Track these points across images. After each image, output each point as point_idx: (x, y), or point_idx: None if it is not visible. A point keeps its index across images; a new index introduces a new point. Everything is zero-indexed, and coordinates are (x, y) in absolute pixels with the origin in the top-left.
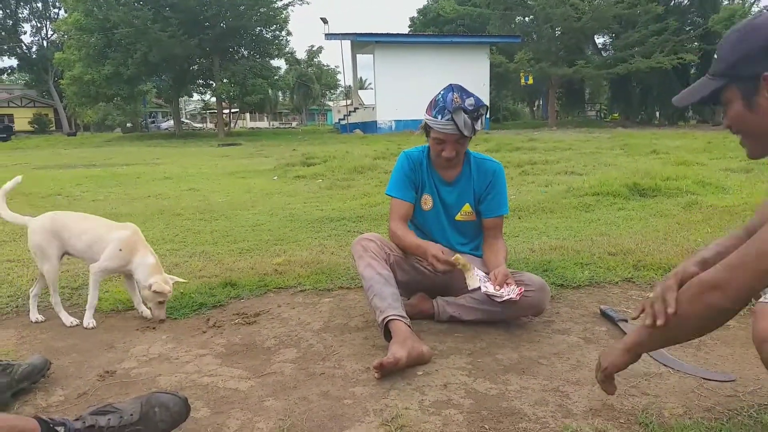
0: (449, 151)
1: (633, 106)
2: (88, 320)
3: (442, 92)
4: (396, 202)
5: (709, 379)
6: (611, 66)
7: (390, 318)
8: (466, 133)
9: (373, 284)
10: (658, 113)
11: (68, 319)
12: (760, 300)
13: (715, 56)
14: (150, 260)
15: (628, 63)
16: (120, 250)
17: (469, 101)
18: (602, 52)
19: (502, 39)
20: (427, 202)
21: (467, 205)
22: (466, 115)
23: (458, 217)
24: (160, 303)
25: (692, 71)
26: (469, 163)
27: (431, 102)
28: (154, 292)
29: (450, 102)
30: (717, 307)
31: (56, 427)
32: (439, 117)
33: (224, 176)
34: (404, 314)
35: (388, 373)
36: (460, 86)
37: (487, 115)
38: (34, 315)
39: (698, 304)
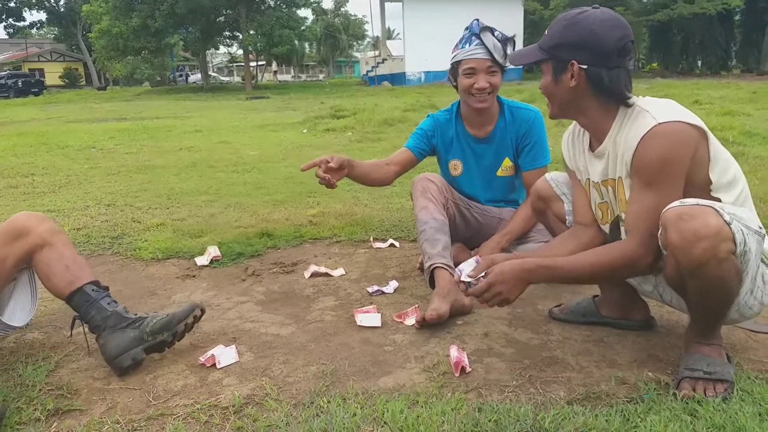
0: (482, 81)
1: (673, 55)
2: None
3: (466, 27)
4: (400, 150)
5: (758, 332)
6: (651, 12)
7: (437, 265)
8: (496, 56)
9: (426, 228)
10: (699, 62)
11: None
12: (670, 206)
13: (546, 33)
14: None
15: (669, 9)
16: None
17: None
18: None
19: None
20: (457, 167)
21: (506, 159)
22: (494, 37)
23: (499, 172)
24: None
25: (737, 17)
26: (503, 115)
27: (456, 44)
28: None
29: (476, 26)
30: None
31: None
32: (467, 45)
33: (254, 129)
34: (452, 264)
35: (429, 325)
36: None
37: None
38: None
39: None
